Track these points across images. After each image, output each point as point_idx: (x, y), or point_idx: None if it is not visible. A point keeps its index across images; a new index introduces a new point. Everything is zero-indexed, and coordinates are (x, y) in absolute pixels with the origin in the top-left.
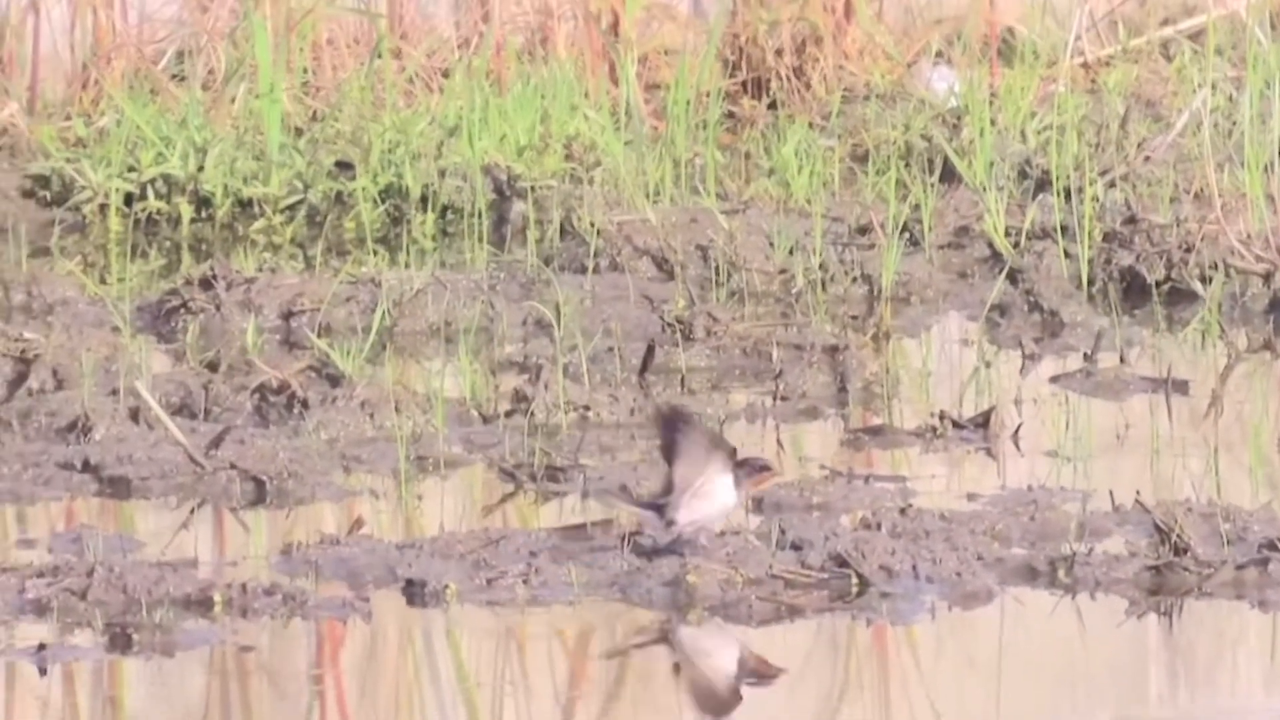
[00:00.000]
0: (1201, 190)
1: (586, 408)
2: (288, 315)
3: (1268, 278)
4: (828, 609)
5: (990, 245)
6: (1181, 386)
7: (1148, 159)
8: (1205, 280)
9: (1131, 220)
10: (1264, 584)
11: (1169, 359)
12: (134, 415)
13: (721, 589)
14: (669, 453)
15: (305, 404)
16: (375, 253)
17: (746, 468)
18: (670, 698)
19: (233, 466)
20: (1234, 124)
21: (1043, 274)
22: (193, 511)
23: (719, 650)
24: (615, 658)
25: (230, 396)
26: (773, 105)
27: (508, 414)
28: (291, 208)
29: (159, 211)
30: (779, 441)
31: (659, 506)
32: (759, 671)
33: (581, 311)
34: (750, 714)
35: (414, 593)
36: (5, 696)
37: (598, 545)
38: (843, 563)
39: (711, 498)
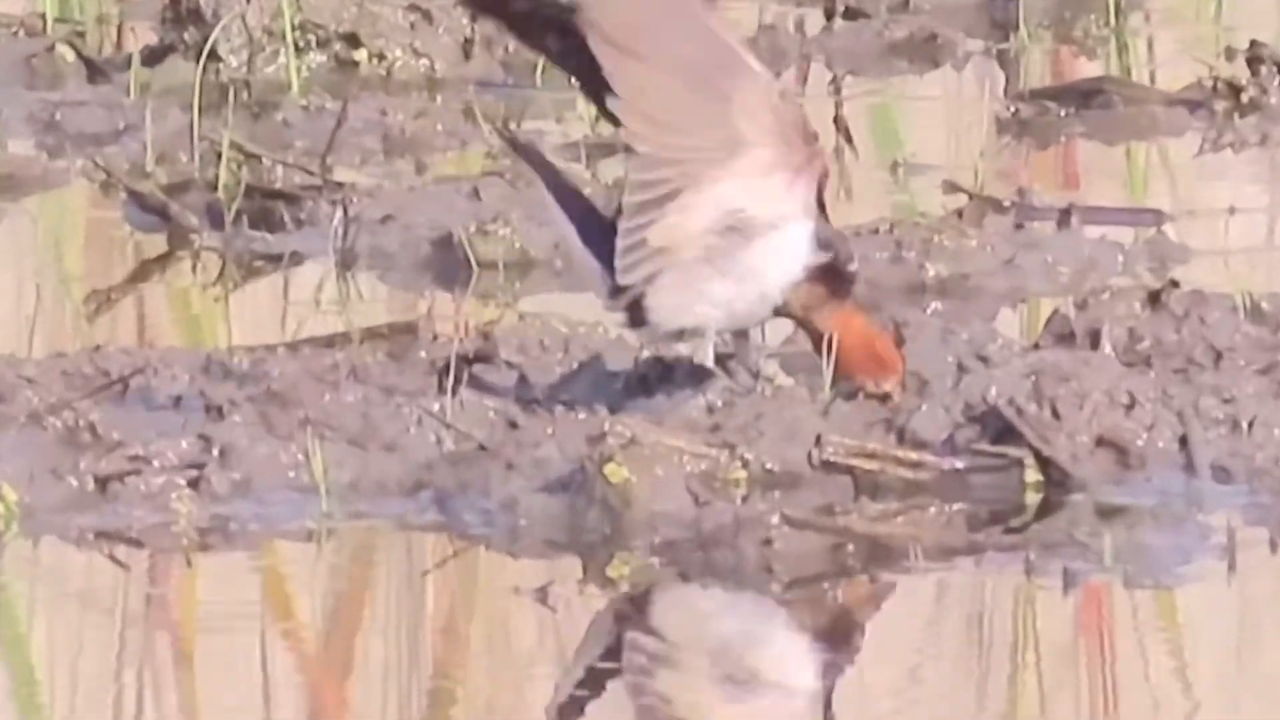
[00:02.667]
0: None
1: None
2: None
3: None
4: (961, 550)
5: None
6: None
7: None
8: None
9: None
10: None
11: None
12: None
13: (694, 495)
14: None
15: None
16: None
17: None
18: None
19: None
20: None
21: None
22: None
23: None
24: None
25: None
26: None
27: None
28: None
29: None
30: (837, 121)
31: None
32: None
33: None
34: None
35: None
36: None
37: (373, 381)
38: (1003, 428)
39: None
